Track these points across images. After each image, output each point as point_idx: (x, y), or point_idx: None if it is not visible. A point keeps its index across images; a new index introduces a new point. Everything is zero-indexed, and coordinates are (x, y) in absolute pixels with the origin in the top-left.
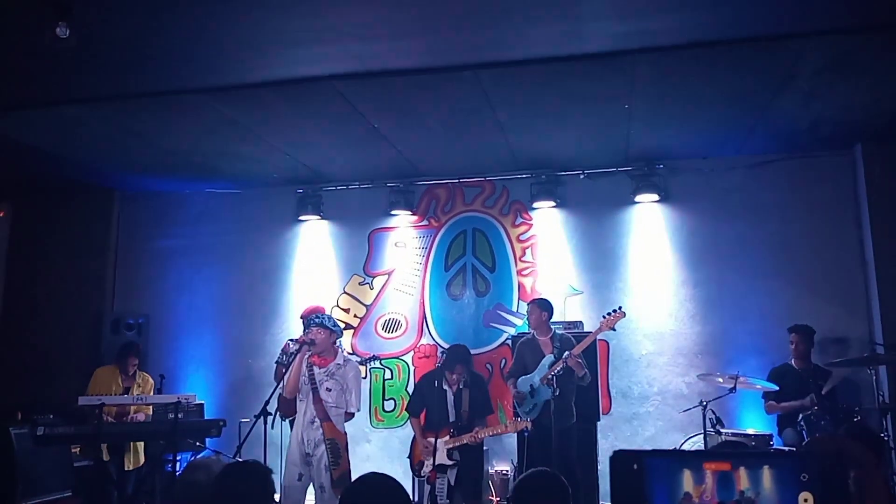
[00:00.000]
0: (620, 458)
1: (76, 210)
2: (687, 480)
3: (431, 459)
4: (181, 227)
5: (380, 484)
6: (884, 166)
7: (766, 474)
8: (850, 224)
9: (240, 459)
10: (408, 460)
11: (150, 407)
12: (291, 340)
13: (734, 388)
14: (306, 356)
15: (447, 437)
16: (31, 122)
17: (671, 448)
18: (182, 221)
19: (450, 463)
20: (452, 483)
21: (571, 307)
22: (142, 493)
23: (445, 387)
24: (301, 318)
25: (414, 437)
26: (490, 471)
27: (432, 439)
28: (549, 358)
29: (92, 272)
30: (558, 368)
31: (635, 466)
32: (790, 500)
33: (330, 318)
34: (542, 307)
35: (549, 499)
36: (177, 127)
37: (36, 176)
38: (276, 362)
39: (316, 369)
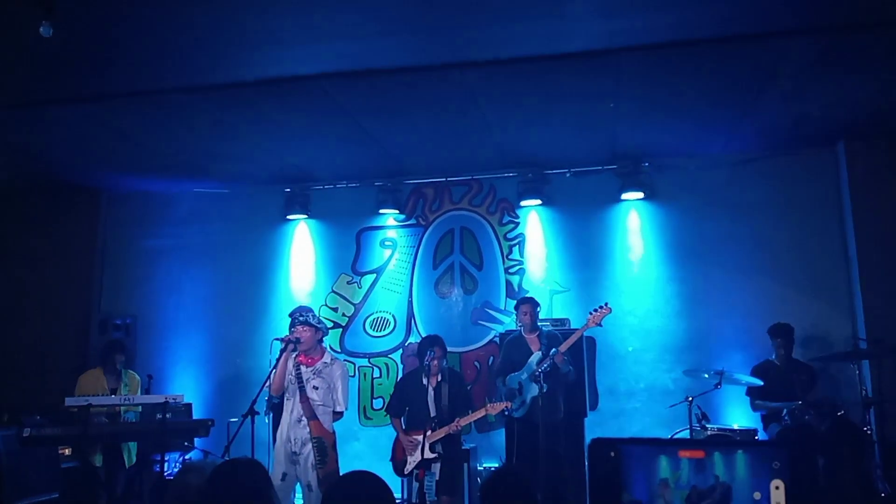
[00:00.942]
0: (598, 446)
1: (62, 210)
2: (664, 467)
3: (415, 455)
4: (169, 227)
5: (364, 481)
6: (866, 163)
7: (741, 461)
8: (834, 220)
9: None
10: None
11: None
12: (277, 339)
13: (719, 383)
14: (293, 355)
15: (429, 432)
16: (17, 122)
17: None
18: (169, 221)
19: (432, 456)
20: (439, 478)
21: (558, 304)
22: (130, 493)
23: (426, 382)
24: (290, 316)
25: (396, 438)
26: (478, 468)
27: (418, 437)
28: (536, 355)
29: (79, 273)
30: (545, 365)
31: (612, 454)
32: (763, 486)
33: (315, 315)
34: (535, 304)
35: (515, 499)
36: (163, 126)
37: (21, 176)
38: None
39: (303, 368)
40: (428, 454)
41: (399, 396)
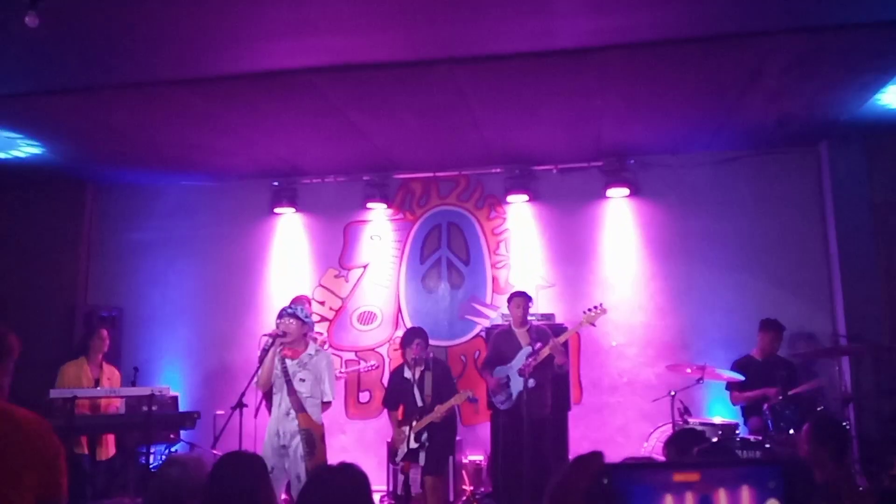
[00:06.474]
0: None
1: (48, 202)
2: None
3: (402, 447)
4: (155, 220)
5: (346, 474)
6: (848, 162)
7: (745, 489)
8: (815, 219)
9: (216, 452)
10: (385, 448)
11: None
12: (265, 335)
13: (701, 378)
14: (278, 349)
15: (414, 423)
16: (2, 113)
17: (639, 436)
18: (156, 214)
19: (415, 445)
20: (425, 462)
21: (543, 300)
22: (115, 485)
23: (408, 375)
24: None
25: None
26: (463, 460)
27: (406, 427)
28: (526, 349)
29: (64, 265)
30: (535, 358)
31: (605, 481)
32: None
33: (302, 309)
34: (528, 298)
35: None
36: (150, 119)
37: (6, 167)
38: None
39: (288, 361)
40: (413, 444)
41: (391, 390)
